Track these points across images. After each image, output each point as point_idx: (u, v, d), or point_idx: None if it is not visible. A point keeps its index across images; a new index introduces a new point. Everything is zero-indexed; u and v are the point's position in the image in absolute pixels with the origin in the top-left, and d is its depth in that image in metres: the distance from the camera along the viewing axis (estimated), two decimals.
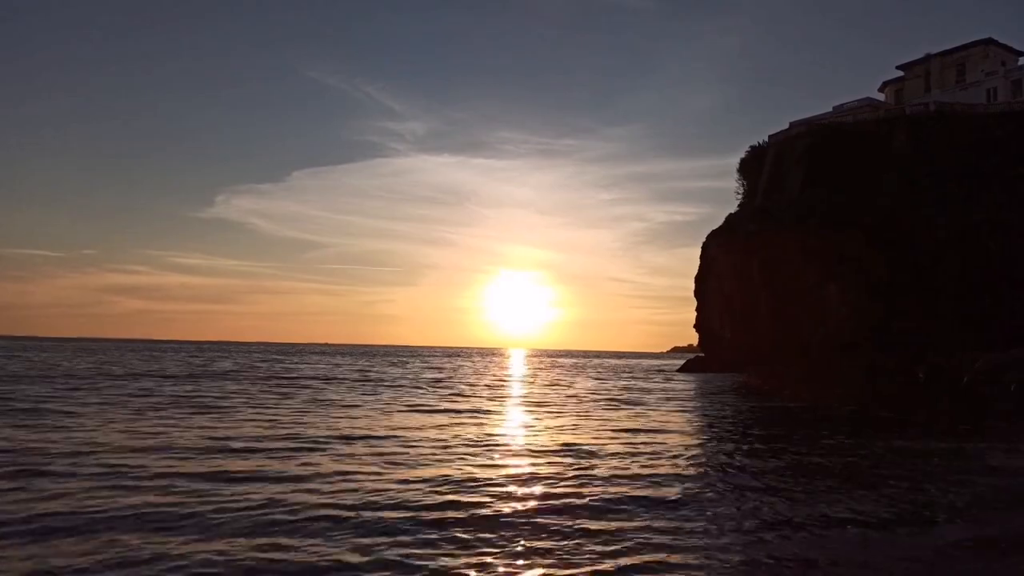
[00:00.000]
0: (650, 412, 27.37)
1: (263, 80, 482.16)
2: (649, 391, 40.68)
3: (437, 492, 11.65)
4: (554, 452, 16.46)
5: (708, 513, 10.72)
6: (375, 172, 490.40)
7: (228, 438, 17.43)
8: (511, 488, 12.31)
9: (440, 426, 21.28)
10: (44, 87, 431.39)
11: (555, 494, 11.78)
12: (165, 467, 13.40)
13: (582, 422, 23.22)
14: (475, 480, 12.83)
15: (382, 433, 19.26)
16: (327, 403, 28.41)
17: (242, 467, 13.58)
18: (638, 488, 12.33)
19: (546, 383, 48.44)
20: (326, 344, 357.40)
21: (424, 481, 12.62)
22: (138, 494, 11.08)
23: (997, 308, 43.72)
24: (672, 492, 12.07)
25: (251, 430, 19.15)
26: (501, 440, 18.61)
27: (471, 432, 19.95)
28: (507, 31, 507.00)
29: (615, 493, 11.84)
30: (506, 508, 10.73)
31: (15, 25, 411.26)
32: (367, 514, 10.15)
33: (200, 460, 14.30)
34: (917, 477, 14.02)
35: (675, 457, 16.14)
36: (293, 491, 11.52)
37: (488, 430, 20.68)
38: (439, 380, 48.34)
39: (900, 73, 66.20)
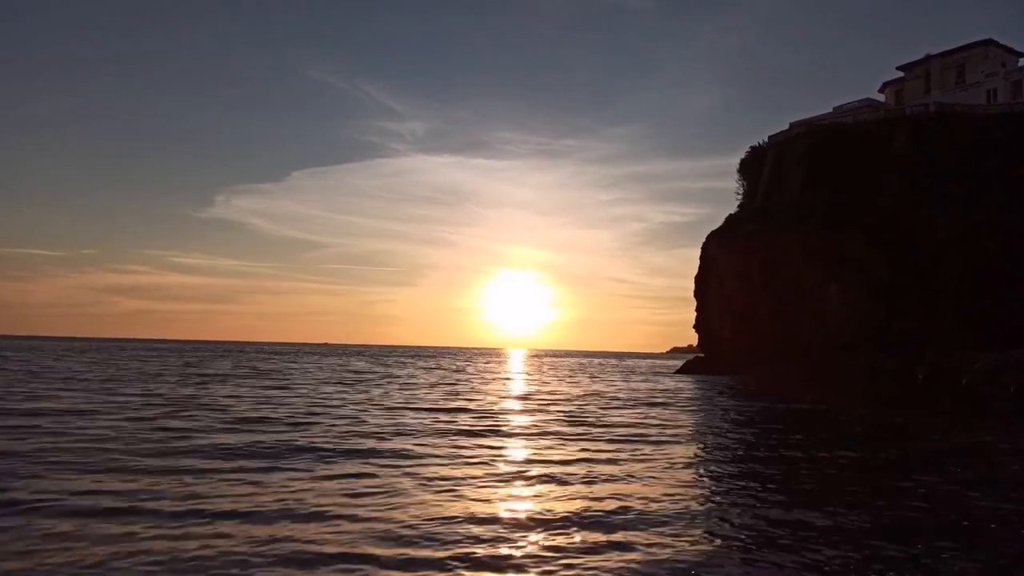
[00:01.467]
0: (650, 414, 27.35)
1: (263, 80, 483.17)
2: (648, 393, 40.62)
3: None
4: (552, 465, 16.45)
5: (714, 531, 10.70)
6: (375, 172, 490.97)
7: None
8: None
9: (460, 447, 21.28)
10: (44, 87, 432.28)
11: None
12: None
13: (581, 428, 23.21)
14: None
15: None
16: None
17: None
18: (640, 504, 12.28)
19: (546, 385, 48.44)
20: (325, 344, 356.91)
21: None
22: None
23: (997, 308, 43.78)
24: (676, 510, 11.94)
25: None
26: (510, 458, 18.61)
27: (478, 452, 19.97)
28: (507, 31, 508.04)
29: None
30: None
31: (15, 25, 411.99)
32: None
33: None
34: (919, 480, 14.03)
35: (680, 468, 16.15)
36: None
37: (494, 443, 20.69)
38: (446, 382, 48.39)
39: (900, 74, 66.28)
